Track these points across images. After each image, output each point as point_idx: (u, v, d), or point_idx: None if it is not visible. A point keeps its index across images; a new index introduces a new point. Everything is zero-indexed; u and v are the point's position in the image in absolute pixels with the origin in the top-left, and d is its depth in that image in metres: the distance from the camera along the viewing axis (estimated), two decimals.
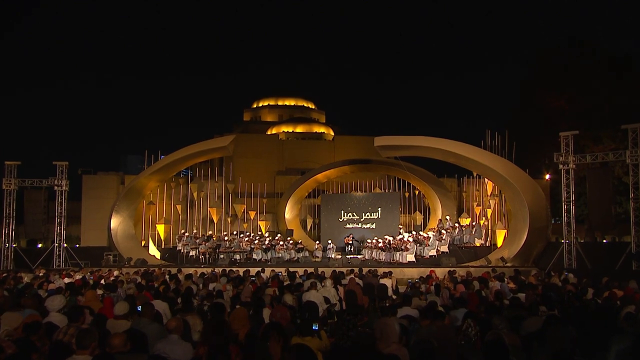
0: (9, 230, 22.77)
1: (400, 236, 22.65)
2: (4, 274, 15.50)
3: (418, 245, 21.58)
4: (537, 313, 6.69)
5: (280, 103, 45.77)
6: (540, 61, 34.63)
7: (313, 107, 47.18)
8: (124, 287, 10.83)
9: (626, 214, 22.06)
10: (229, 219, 27.27)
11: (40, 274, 15.33)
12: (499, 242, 23.67)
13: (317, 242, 25.02)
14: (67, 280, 13.44)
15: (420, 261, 20.94)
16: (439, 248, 21.72)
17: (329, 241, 24.17)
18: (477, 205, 26.11)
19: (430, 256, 21.36)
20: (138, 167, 41.47)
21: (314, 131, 41.17)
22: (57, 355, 4.47)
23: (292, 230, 26.34)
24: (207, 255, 22.77)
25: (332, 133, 40.99)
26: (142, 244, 25.22)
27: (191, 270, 16.31)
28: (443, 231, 22.55)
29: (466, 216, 25.37)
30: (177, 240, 24.26)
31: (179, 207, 26.68)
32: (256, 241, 23.44)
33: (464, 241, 22.42)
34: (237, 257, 22.48)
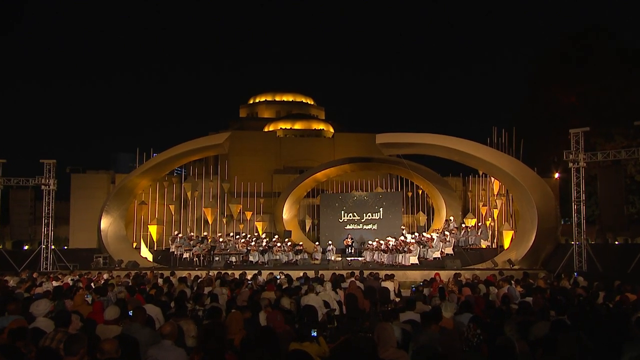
0: None
1: (403, 237, 22.66)
2: None
3: (421, 247, 21.59)
4: (547, 318, 6.68)
5: (277, 99, 45.79)
6: (549, 55, 34.65)
7: (312, 103, 47.19)
8: (115, 290, 10.81)
9: (639, 214, 22.13)
10: (224, 220, 27.26)
11: (27, 277, 15.30)
12: (506, 244, 23.69)
13: (316, 243, 25.03)
14: (55, 283, 13.42)
15: (423, 264, 20.97)
16: (443, 250, 21.74)
17: (329, 243, 24.19)
18: (483, 206, 26.12)
19: (434, 258, 21.38)
20: (129, 165, 41.36)
21: (313, 128, 41.19)
22: None
23: (290, 231, 26.35)
24: (202, 258, 22.75)
25: (331, 130, 41.01)
26: (134, 246, 25.22)
27: (185, 273, 16.32)
28: (447, 232, 22.57)
29: (472, 217, 25.39)
30: (170, 242, 24.25)
31: (172, 207, 26.67)
32: (253, 243, 23.44)
33: (470, 243, 22.44)
34: (233, 259, 22.46)
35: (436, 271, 17.37)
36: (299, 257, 23.18)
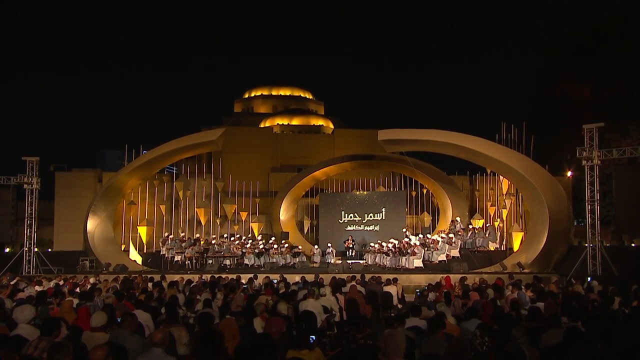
0: None
1: (407, 239, 22.66)
2: None
3: (426, 249, 21.60)
4: (558, 324, 6.69)
5: (274, 93, 45.72)
6: (561, 47, 34.65)
7: (311, 97, 47.15)
8: (102, 295, 10.81)
9: None
10: (218, 221, 27.25)
11: (7, 282, 15.28)
12: (516, 246, 23.68)
13: (315, 245, 25.01)
14: (38, 288, 13.40)
15: (428, 267, 20.98)
16: (449, 252, 21.76)
17: (328, 245, 24.15)
18: (491, 206, 26.11)
19: (440, 261, 21.39)
20: (117, 163, 41.46)
21: (312, 124, 41.13)
22: None
23: (288, 232, 26.33)
24: (194, 261, 22.75)
25: (331, 126, 40.97)
26: (122, 248, 25.20)
27: (176, 277, 16.28)
28: (453, 234, 22.58)
29: (479, 217, 25.40)
30: (160, 244, 24.24)
31: (162, 207, 26.64)
32: (248, 245, 23.44)
33: (477, 245, 22.44)
34: (227, 262, 22.48)
35: (445, 275, 17.39)
36: (297, 260, 23.15)
